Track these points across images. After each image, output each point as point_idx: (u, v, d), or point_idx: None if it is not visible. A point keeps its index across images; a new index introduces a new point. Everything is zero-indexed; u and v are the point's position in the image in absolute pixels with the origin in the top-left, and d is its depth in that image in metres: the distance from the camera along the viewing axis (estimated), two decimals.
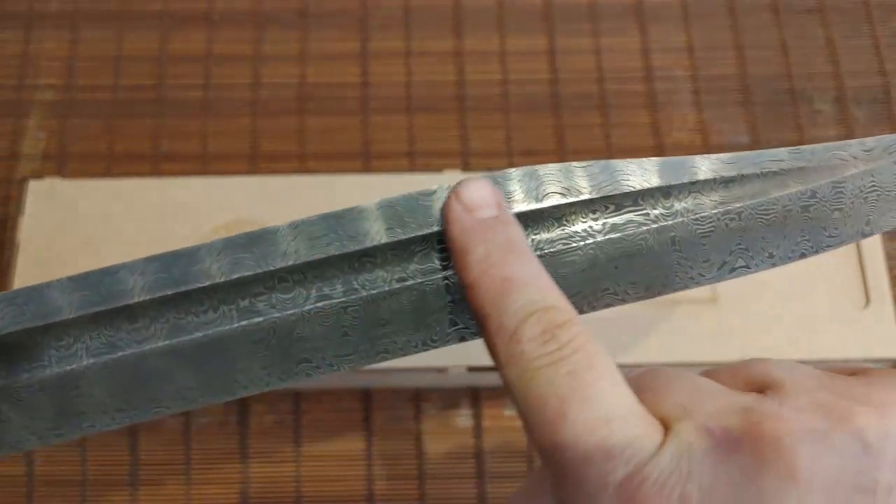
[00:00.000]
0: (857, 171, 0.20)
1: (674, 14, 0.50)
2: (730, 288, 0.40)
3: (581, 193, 0.19)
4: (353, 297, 0.19)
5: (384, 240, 0.19)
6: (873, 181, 0.21)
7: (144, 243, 0.40)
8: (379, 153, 0.47)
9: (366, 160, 0.46)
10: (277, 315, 0.19)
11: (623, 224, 0.20)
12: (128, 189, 0.41)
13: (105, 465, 0.41)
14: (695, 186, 0.20)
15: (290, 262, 0.19)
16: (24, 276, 0.39)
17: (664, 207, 0.20)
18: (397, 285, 0.19)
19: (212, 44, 0.49)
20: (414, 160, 0.46)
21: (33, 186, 0.41)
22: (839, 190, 0.20)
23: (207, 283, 0.18)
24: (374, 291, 0.19)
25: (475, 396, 0.42)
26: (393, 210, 0.19)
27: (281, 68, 0.48)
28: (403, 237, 0.19)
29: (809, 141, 0.47)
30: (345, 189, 0.41)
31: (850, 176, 0.20)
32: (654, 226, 0.20)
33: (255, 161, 0.46)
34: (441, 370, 0.39)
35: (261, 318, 0.19)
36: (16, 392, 0.18)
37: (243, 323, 0.19)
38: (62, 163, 0.46)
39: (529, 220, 0.19)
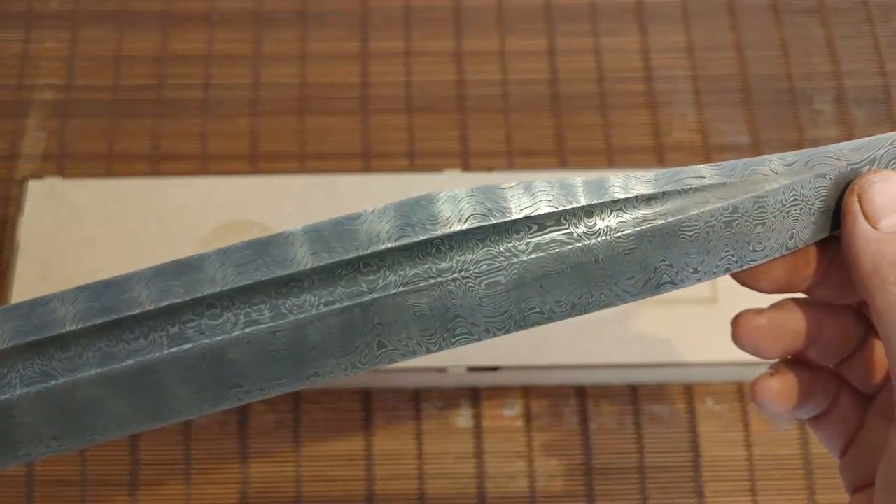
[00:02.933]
0: (778, 186, 0.21)
1: (674, 14, 0.50)
2: (730, 288, 0.40)
3: (504, 215, 0.20)
4: (281, 321, 0.19)
5: (310, 265, 0.19)
6: (794, 195, 0.21)
7: (144, 243, 0.40)
8: (379, 153, 0.47)
9: (366, 160, 0.46)
10: (207, 341, 0.19)
11: (547, 244, 0.20)
12: (128, 189, 0.41)
13: (105, 464, 0.41)
14: (616, 205, 0.20)
15: (218, 289, 0.19)
16: (24, 276, 0.39)
17: (587, 226, 0.20)
18: (324, 309, 0.19)
19: (212, 44, 0.49)
20: (414, 160, 0.46)
21: (33, 186, 0.41)
22: (761, 205, 0.21)
23: (137, 311, 0.19)
24: (301, 316, 0.19)
25: (475, 396, 0.42)
26: (318, 235, 0.19)
27: (281, 68, 0.48)
28: (329, 261, 0.19)
29: (810, 141, 0.47)
30: (345, 189, 0.42)
31: (772, 190, 0.21)
32: (578, 244, 0.20)
33: (255, 161, 0.46)
34: (441, 370, 0.39)
35: (191, 345, 0.19)
36: None
37: (173, 350, 0.19)
38: (62, 163, 0.46)
39: (453, 242, 0.20)
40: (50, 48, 0.49)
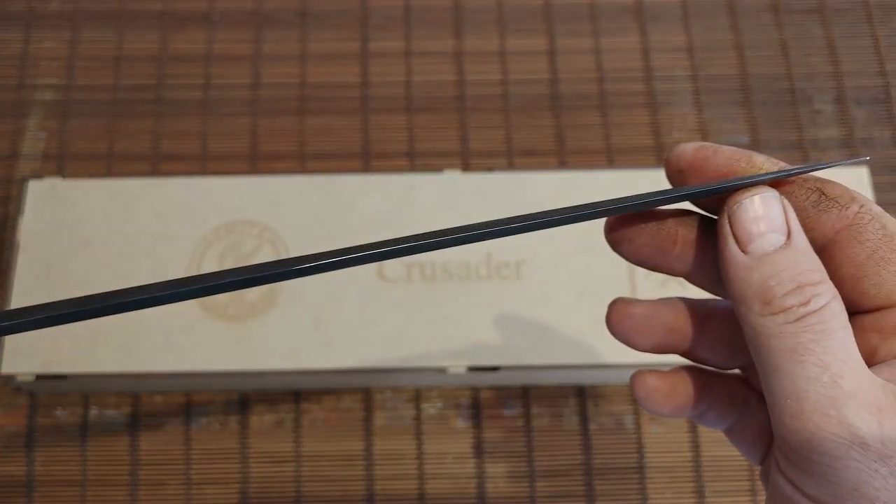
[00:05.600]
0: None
1: (674, 14, 0.50)
2: None
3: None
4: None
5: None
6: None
7: (144, 243, 0.40)
8: (379, 153, 0.47)
9: (366, 160, 0.46)
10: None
11: None
12: (128, 189, 0.41)
13: (105, 465, 0.41)
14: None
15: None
16: (24, 276, 0.40)
17: None
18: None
19: (212, 44, 0.49)
20: (414, 160, 0.46)
21: (33, 186, 0.41)
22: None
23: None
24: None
25: (475, 396, 0.42)
26: None
27: (281, 68, 0.48)
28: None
29: (810, 141, 0.47)
30: (345, 189, 0.42)
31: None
32: None
33: (255, 161, 0.46)
34: (441, 370, 0.39)
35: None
36: None
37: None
38: (62, 163, 0.46)
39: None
40: (50, 48, 0.49)
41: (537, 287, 0.40)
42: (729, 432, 0.23)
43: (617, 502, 0.41)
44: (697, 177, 0.20)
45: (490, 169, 0.44)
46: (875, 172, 0.44)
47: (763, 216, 0.19)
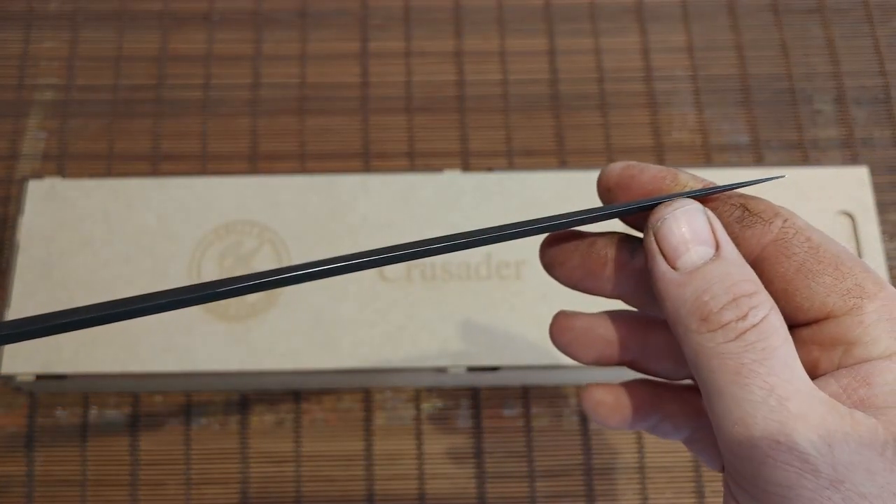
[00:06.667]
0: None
1: (674, 14, 0.50)
2: None
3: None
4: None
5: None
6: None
7: (144, 243, 0.40)
8: (379, 153, 0.47)
9: (366, 160, 0.46)
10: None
11: None
12: (128, 189, 0.41)
13: (105, 465, 0.41)
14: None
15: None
16: (24, 276, 0.40)
17: None
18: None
19: (212, 44, 0.49)
20: (414, 160, 0.46)
21: (33, 186, 0.41)
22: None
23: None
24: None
25: (475, 396, 0.42)
26: None
27: (281, 68, 0.48)
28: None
29: (809, 141, 0.47)
30: (345, 189, 0.42)
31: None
32: None
33: (255, 161, 0.46)
34: (441, 370, 0.39)
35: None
36: None
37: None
38: (62, 163, 0.46)
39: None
40: (50, 48, 0.49)
41: (537, 287, 0.40)
42: (687, 442, 0.23)
43: (617, 502, 0.41)
44: (625, 195, 0.20)
45: (490, 169, 0.44)
46: (875, 172, 0.44)
47: (688, 230, 0.19)
